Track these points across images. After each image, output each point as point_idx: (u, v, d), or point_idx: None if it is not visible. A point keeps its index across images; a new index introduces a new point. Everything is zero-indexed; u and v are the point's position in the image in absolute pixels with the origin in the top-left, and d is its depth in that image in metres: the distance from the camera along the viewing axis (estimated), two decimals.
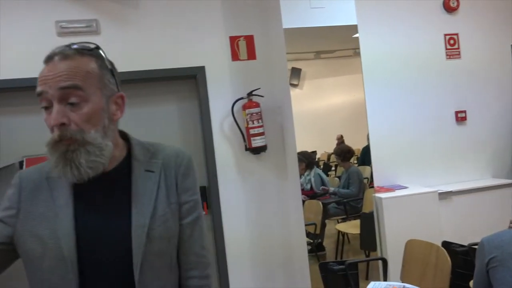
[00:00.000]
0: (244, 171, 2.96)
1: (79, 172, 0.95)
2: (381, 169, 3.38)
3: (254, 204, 2.98)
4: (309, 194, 4.41)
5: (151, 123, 2.95)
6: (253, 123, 2.85)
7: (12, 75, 2.63)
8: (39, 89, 0.95)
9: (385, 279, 2.65)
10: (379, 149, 3.37)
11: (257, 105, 2.87)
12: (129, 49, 2.78)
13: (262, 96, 2.91)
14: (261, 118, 2.87)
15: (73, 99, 0.94)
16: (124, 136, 1.11)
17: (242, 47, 2.93)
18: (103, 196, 1.03)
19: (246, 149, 2.93)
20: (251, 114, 2.84)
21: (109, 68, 1.03)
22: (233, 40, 2.92)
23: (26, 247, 0.99)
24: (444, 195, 3.32)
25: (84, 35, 2.70)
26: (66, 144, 0.94)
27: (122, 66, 2.93)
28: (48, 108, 0.96)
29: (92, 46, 1.01)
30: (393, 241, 3.04)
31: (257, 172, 2.98)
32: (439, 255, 2.34)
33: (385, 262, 2.66)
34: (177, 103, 3.00)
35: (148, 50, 2.81)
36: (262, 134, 2.87)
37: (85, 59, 0.98)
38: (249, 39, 2.94)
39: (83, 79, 0.95)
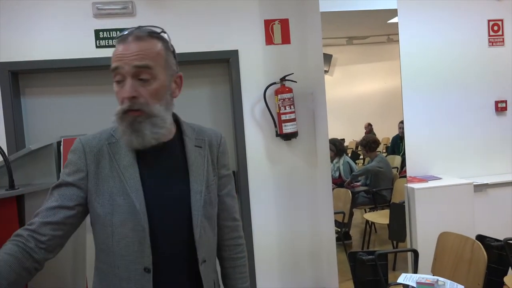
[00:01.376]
0: (274, 157, 2.95)
1: (143, 141, 1.08)
2: (414, 159, 3.29)
3: (283, 190, 2.97)
4: (337, 182, 4.36)
5: (182, 105, 2.94)
6: (285, 109, 2.82)
7: (50, 55, 2.67)
8: (114, 64, 1.07)
9: (415, 271, 2.60)
10: (413, 138, 3.27)
11: (290, 90, 2.83)
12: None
13: (295, 82, 2.87)
14: (293, 104, 2.83)
15: (144, 76, 1.07)
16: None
17: (277, 31, 2.88)
18: (161, 164, 1.15)
19: (277, 135, 2.90)
20: (283, 99, 2.81)
21: (171, 50, 1.15)
22: (268, 23, 2.87)
23: (97, 204, 1.11)
24: (480, 188, 3.22)
25: (119, 17, 2.72)
26: (134, 115, 1.07)
27: None
28: (120, 82, 1.08)
29: (159, 30, 1.13)
30: (424, 233, 2.98)
31: (287, 159, 2.96)
32: (475, 249, 2.28)
33: (416, 254, 2.61)
34: (209, 87, 3.00)
35: (182, 33, 2.80)
36: (293, 120, 2.84)
37: (154, 41, 1.10)
38: (284, 23, 2.88)
39: (153, 59, 1.08)
